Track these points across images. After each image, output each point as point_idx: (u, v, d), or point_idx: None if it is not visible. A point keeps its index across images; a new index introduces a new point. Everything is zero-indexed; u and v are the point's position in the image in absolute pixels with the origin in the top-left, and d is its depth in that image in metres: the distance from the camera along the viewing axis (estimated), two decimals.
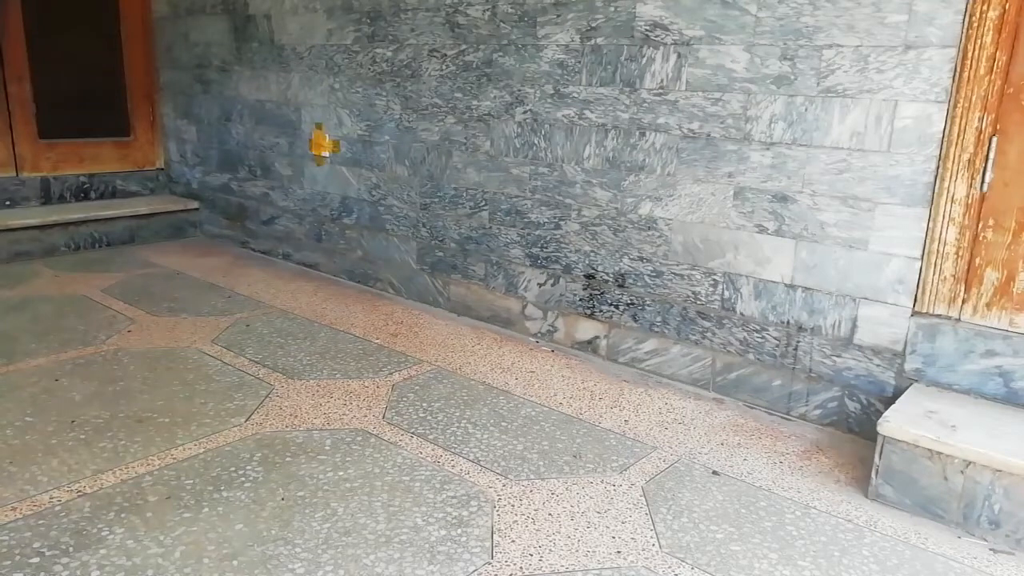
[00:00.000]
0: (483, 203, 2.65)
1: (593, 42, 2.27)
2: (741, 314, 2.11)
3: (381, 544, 1.42)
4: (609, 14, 2.21)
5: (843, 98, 1.85)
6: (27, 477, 1.59)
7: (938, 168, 1.75)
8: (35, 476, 1.60)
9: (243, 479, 1.63)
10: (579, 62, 2.31)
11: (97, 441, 1.75)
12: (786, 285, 2.02)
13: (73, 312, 2.65)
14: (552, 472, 1.72)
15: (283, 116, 3.32)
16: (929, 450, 1.58)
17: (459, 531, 1.47)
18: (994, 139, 1.69)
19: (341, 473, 1.67)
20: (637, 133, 2.22)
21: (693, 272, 2.19)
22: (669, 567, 1.39)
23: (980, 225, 1.74)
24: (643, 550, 1.44)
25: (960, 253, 1.76)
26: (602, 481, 1.69)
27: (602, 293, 2.40)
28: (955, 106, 1.70)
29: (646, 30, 2.15)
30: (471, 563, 1.38)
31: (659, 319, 2.28)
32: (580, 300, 2.46)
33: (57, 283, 3.00)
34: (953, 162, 1.73)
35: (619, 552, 1.43)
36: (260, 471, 1.66)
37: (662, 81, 2.14)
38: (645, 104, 2.19)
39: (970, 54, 1.67)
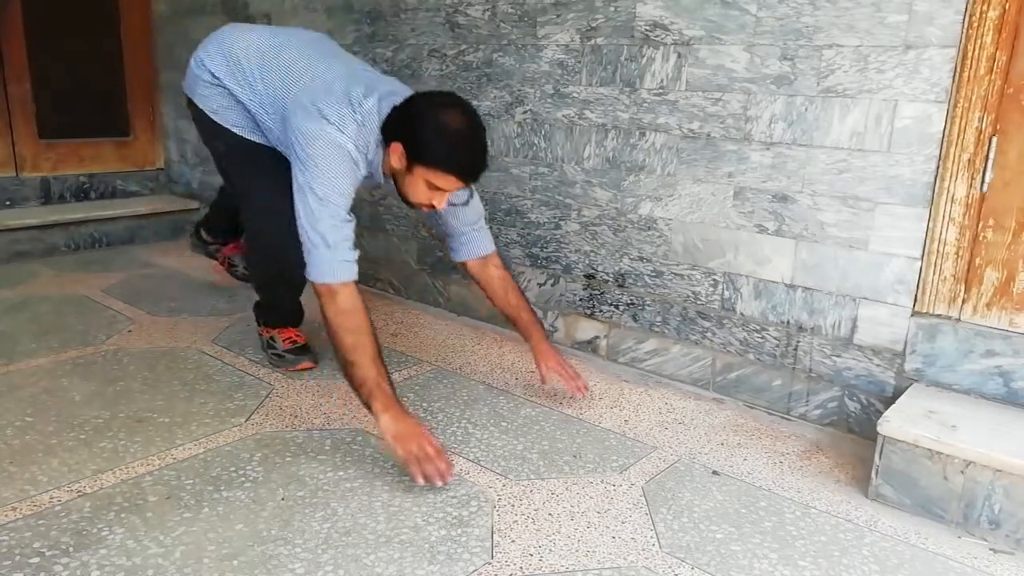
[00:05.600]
0: (483, 203, 2.65)
1: (593, 42, 2.27)
2: (741, 314, 2.11)
3: (381, 544, 1.42)
4: (609, 14, 2.21)
5: (843, 98, 1.85)
6: (27, 477, 1.59)
7: (938, 168, 1.75)
8: (35, 476, 1.60)
9: (243, 479, 1.63)
10: (579, 62, 2.31)
11: (97, 441, 1.75)
12: (786, 285, 2.02)
13: (73, 312, 2.65)
14: (552, 472, 1.72)
15: None
16: (929, 450, 1.58)
17: (459, 531, 1.48)
18: (994, 139, 1.69)
19: (341, 473, 1.67)
20: (637, 133, 2.22)
21: (693, 272, 2.19)
22: (669, 567, 1.39)
23: (980, 225, 1.74)
24: (643, 550, 1.44)
25: (960, 253, 1.77)
26: (602, 481, 1.69)
27: (602, 293, 2.40)
28: (955, 106, 1.70)
29: (646, 30, 2.15)
30: (471, 563, 1.38)
31: (659, 319, 2.28)
32: (580, 300, 2.46)
33: (57, 283, 3.00)
34: (953, 162, 1.73)
35: (618, 552, 1.43)
36: (260, 471, 1.66)
37: (662, 81, 2.14)
38: (645, 104, 2.19)
39: (970, 54, 1.67)
